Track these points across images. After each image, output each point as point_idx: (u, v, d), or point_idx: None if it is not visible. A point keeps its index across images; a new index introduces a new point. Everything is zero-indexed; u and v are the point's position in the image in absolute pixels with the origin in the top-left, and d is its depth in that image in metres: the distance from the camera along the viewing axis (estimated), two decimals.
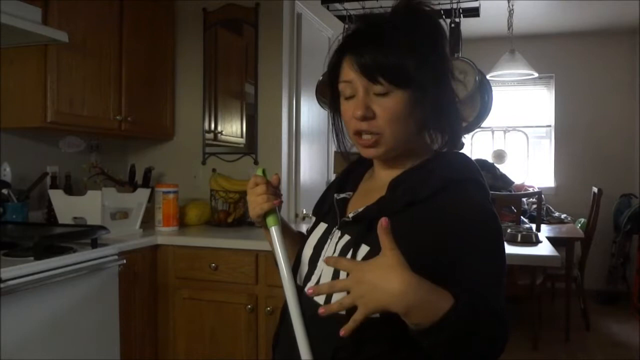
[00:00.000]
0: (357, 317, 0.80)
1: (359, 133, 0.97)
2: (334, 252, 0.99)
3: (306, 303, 0.98)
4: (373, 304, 0.79)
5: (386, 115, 0.94)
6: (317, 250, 1.04)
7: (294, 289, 1.00)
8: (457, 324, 0.79)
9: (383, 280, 0.79)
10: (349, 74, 0.96)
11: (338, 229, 1.02)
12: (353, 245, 0.96)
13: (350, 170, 1.14)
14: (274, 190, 1.08)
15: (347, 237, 0.99)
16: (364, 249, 0.94)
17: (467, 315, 0.80)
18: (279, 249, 1.05)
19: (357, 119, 0.95)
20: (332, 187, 1.14)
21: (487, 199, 0.96)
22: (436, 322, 0.79)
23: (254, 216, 1.09)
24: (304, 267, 1.06)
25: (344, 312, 0.84)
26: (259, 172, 1.10)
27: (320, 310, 0.84)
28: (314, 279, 1.01)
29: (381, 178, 1.04)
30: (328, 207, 1.10)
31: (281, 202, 1.09)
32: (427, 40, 0.95)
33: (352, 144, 1.04)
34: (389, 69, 0.92)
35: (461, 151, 1.08)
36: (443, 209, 0.91)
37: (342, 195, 1.08)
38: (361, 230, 0.96)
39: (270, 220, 1.07)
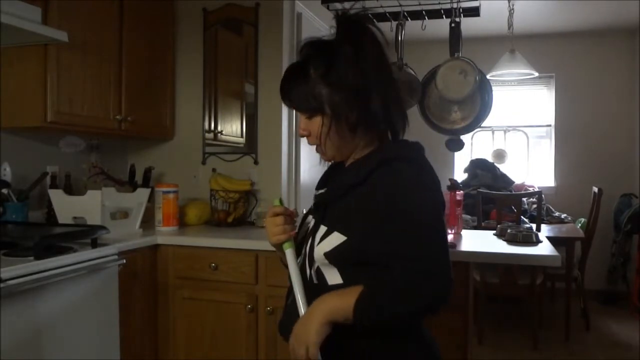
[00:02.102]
0: (311, 355, 1.06)
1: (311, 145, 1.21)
2: (309, 238, 1.19)
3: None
4: (309, 338, 1.06)
5: (314, 133, 1.17)
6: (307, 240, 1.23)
7: (306, 306, 1.16)
8: (368, 309, 1.02)
9: (303, 324, 1.09)
10: None
11: (313, 217, 1.23)
12: (314, 227, 1.18)
13: (332, 167, 1.31)
14: (290, 220, 1.24)
15: (313, 222, 1.21)
16: (322, 229, 1.15)
17: (371, 298, 1.02)
18: (292, 268, 1.20)
19: (301, 137, 1.21)
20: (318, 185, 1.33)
21: (418, 172, 1.10)
22: (353, 315, 1.03)
23: (272, 243, 1.25)
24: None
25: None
26: (276, 203, 1.25)
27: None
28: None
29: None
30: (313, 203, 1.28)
31: (297, 232, 1.25)
32: (342, 65, 1.11)
33: None
34: (300, 105, 1.17)
35: (417, 140, 1.22)
36: (375, 184, 1.09)
37: (320, 191, 1.26)
38: (320, 214, 1.19)
39: (286, 245, 1.23)
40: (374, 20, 2.98)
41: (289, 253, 1.22)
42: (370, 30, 1.16)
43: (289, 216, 1.24)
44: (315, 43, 1.17)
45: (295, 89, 1.16)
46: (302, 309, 1.14)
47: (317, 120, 1.15)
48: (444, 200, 1.15)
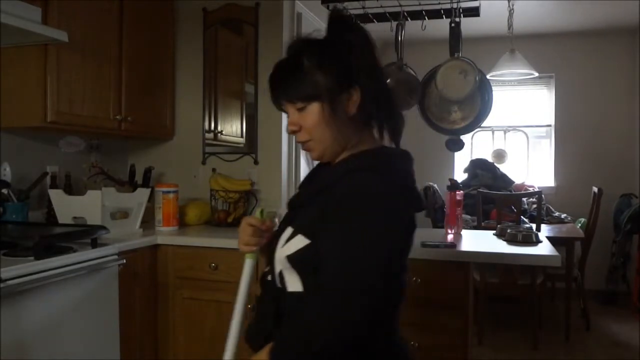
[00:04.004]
0: None
1: (300, 142, 1.18)
2: (276, 239, 1.18)
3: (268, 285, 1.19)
4: None
5: (306, 125, 1.13)
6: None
7: (242, 315, 1.23)
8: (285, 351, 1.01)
9: None
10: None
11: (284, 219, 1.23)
12: (281, 228, 1.17)
13: (319, 167, 1.28)
14: (260, 234, 1.24)
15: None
16: (288, 231, 1.13)
17: (281, 352, 1.01)
18: (243, 282, 1.26)
19: (290, 134, 1.16)
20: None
21: (377, 182, 1.05)
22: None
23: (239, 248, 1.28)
24: None
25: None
26: (258, 214, 1.27)
27: None
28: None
29: None
30: None
31: (262, 244, 1.25)
32: (333, 57, 1.11)
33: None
34: (294, 94, 1.13)
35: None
36: (334, 194, 1.06)
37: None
38: (289, 216, 1.18)
39: (248, 255, 1.27)
40: (369, 21, 2.99)
41: (247, 265, 1.26)
42: (363, 29, 1.16)
43: (264, 230, 1.24)
44: (306, 38, 1.17)
45: (287, 80, 1.14)
46: (233, 330, 1.22)
47: (311, 110, 1.12)
48: (410, 218, 1.09)
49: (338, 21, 1.16)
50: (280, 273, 1.14)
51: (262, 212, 1.28)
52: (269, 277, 1.19)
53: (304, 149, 1.19)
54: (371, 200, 1.03)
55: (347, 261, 0.99)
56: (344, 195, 1.04)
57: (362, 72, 1.11)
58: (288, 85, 1.14)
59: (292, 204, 1.21)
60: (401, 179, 1.10)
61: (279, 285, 1.14)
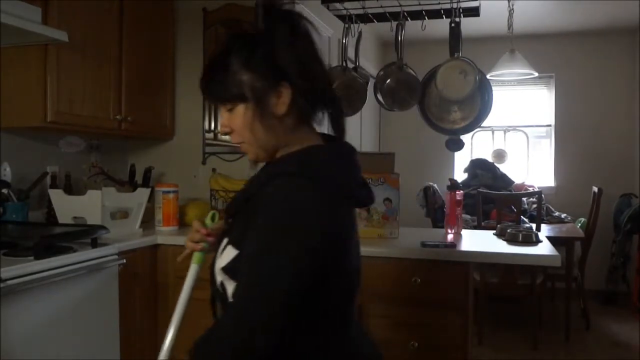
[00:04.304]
0: None
1: (235, 144, 1.13)
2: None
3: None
4: None
5: (235, 127, 1.08)
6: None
7: (180, 318, 1.30)
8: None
9: None
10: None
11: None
12: (220, 238, 1.15)
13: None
14: (202, 239, 1.26)
15: None
16: (224, 242, 1.10)
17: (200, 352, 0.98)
18: (187, 283, 1.30)
19: (223, 135, 1.11)
20: None
21: (298, 191, 0.97)
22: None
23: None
24: None
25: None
26: (208, 219, 1.30)
27: None
28: None
29: None
30: None
31: (203, 248, 1.28)
32: (259, 54, 1.04)
33: None
34: (219, 94, 1.08)
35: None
36: (256, 202, 1.01)
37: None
38: (227, 225, 1.16)
39: (194, 259, 1.30)
40: (369, 21, 2.99)
41: (191, 269, 1.28)
42: (297, 19, 1.08)
43: (208, 235, 1.25)
44: (238, 34, 1.10)
45: (214, 79, 1.08)
46: (170, 333, 1.24)
47: (238, 111, 1.06)
48: (336, 224, 1.00)
49: (269, 12, 1.07)
50: (222, 283, 1.10)
51: (213, 215, 1.28)
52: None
53: (241, 150, 1.13)
54: (285, 214, 0.95)
55: (251, 285, 0.94)
56: (260, 206, 0.98)
57: (293, 68, 1.03)
58: (214, 85, 1.08)
59: (228, 211, 1.16)
60: (326, 181, 1.00)
61: (221, 292, 1.12)
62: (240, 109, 1.06)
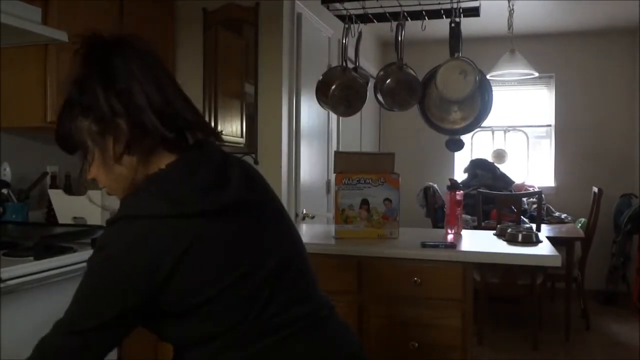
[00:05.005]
0: None
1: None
2: None
3: None
4: None
5: (93, 175, 1.10)
6: None
7: None
8: None
9: None
10: None
11: None
12: None
13: None
14: None
15: None
16: None
17: None
18: None
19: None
20: None
21: (111, 234, 1.00)
22: None
23: None
24: None
25: None
26: None
27: None
28: None
29: None
30: None
31: None
32: (87, 97, 1.00)
33: None
34: (68, 149, 1.09)
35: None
36: None
37: None
38: None
39: None
40: (369, 21, 2.99)
41: None
42: (120, 45, 1.03)
43: None
44: (74, 79, 1.03)
45: (61, 133, 1.06)
46: None
47: (89, 160, 1.07)
48: (128, 269, 0.96)
49: (90, 50, 1.03)
50: None
51: None
52: None
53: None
54: (97, 250, 1.02)
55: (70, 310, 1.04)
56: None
57: (124, 103, 0.99)
58: (62, 138, 1.07)
59: None
60: (138, 214, 0.98)
61: None
62: (89, 158, 1.06)
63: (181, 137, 1.07)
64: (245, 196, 1.06)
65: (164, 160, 1.04)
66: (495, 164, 5.10)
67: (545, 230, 3.95)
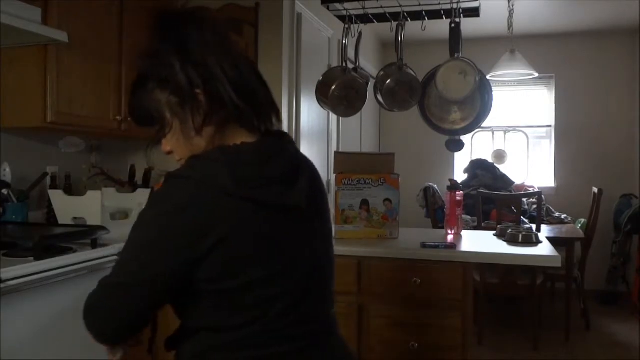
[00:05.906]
0: None
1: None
2: None
3: None
4: None
5: (170, 147, 1.12)
6: None
7: None
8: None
9: None
10: None
11: None
12: None
13: None
14: None
15: None
16: None
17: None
18: None
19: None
20: None
21: (170, 188, 1.00)
22: None
23: None
24: None
25: None
26: None
27: None
28: None
29: None
30: None
31: None
32: (165, 69, 1.02)
33: None
34: (145, 121, 1.11)
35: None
36: None
37: None
38: None
39: None
40: (369, 21, 3.00)
41: None
42: (195, 20, 1.04)
43: None
44: (150, 53, 1.07)
45: (137, 106, 1.09)
46: None
47: (166, 131, 1.08)
48: (187, 225, 0.95)
49: (163, 23, 1.05)
50: None
51: None
52: None
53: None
54: (149, 204, 1.01)
55: (116, 263, 1.04)
56: None
57: (201, 74, 1.00)
58: (139, 111, 1.10)
59: None
60: (196, 183, 0.98)
61: None
62: (168, 128, 1.07)
63: (256, 115, 1.07)
64: (306, 203, 1.05)
65: (240, 138, 1.04)
66: (495, 165, 5.09)
67: (545, 231, 3.95)
